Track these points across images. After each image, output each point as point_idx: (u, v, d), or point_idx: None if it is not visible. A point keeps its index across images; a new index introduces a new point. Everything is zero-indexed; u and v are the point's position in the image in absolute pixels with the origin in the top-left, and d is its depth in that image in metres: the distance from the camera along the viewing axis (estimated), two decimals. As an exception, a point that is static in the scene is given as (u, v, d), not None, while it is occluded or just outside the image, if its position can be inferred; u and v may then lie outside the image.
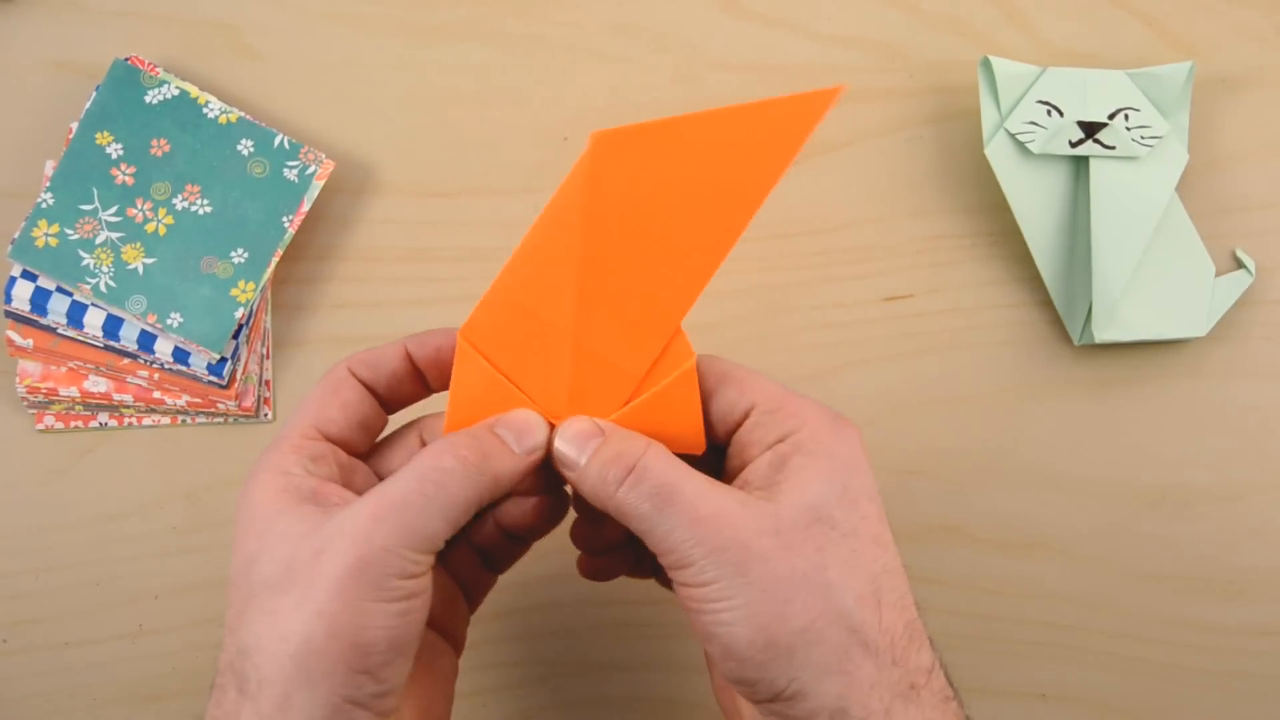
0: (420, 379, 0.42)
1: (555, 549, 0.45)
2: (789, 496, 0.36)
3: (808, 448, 0.37)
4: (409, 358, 0.41)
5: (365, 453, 0.42)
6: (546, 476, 0.41)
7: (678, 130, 0.35)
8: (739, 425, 0.39)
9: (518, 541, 0.44)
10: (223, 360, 0.54)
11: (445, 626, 0.42)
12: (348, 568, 0.35)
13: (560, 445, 0.39)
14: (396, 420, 0.43)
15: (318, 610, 0.34)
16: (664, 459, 0.37)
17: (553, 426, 0.40)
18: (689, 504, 0.36)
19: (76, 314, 0.53)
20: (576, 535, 0.44)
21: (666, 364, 0.39)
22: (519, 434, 0.39)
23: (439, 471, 0.37)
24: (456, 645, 0.43)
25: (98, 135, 0.55)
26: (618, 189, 0.34)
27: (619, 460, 0.37)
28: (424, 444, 0.42)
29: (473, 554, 0.44)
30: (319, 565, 0.35)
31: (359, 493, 0.38)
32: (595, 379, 0.39)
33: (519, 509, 0.42)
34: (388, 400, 0.42)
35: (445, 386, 0.41)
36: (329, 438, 0.40)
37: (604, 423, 0.39)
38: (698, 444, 0.40)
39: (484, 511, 0.41)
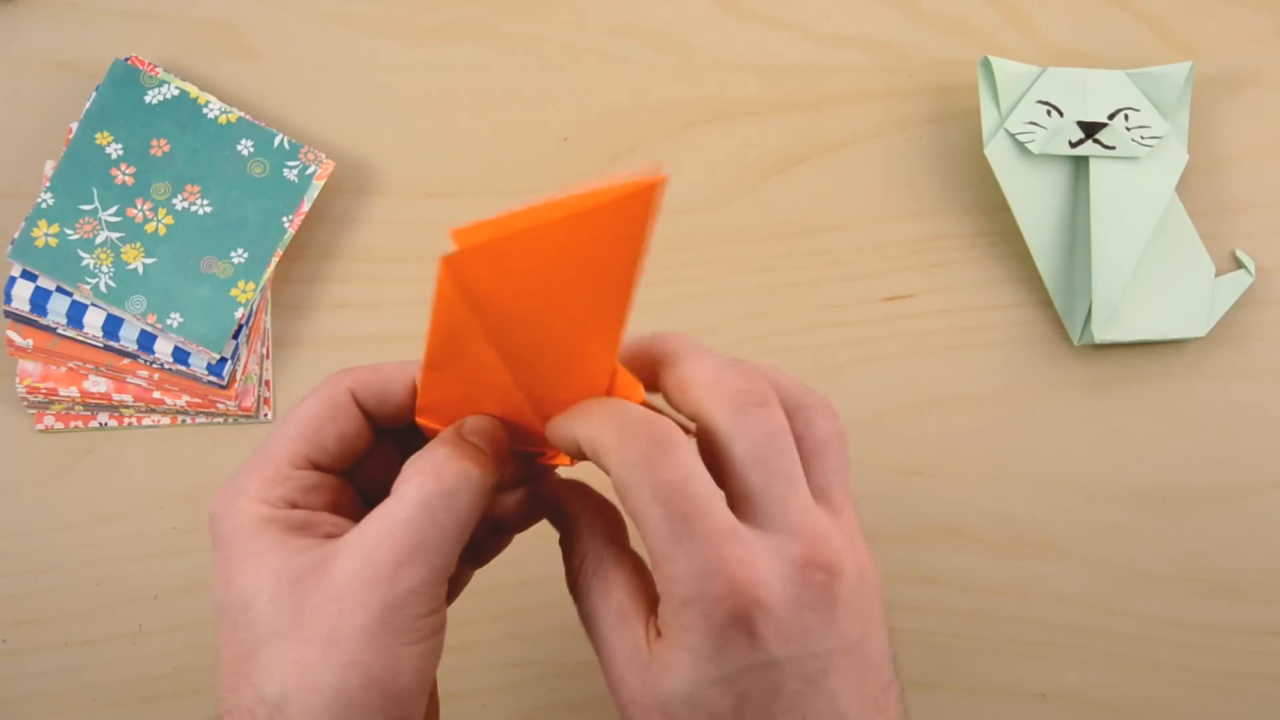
0: None
1: (554, 549, 0.45)
2: (651, 672, 0.34)
3: (668, 611, 0.33)
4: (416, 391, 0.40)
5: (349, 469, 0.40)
6: (527, 468, 0.40)
7: (524, 241, 0.31)
8: None
9: (503, 531, 0.43)
10: (222, 360, 0.54)
11: None
12: (375, 616, 0.34)
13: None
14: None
15: (349, 660, 0.34)
16: (602, 585, 0.37)
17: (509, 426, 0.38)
18: (600, 642, 0.36)
19: (76, 314, 0.53)
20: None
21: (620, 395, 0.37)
22: (489, 438, 0.37)
23: (445, 496, 0.35)
24: None
25: (98, 135, 0.55)
26: (489, 292, 0.32)
27: (579, 574, 0.38)
28: (396, 450, 0.40)
29: None
30: (343, 615, 0.34)
31: (345, 510, 0.37)
32: (551, 409, 0.38)
33: (507, 501, 0.42)
34: (384, 424, 0.39)
35: (450, 422, 0.39)
36: (318, 467, 0.38)
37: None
38: None
39: None
